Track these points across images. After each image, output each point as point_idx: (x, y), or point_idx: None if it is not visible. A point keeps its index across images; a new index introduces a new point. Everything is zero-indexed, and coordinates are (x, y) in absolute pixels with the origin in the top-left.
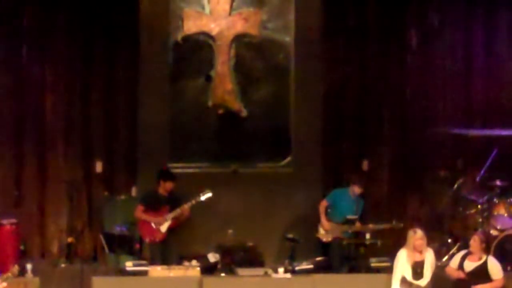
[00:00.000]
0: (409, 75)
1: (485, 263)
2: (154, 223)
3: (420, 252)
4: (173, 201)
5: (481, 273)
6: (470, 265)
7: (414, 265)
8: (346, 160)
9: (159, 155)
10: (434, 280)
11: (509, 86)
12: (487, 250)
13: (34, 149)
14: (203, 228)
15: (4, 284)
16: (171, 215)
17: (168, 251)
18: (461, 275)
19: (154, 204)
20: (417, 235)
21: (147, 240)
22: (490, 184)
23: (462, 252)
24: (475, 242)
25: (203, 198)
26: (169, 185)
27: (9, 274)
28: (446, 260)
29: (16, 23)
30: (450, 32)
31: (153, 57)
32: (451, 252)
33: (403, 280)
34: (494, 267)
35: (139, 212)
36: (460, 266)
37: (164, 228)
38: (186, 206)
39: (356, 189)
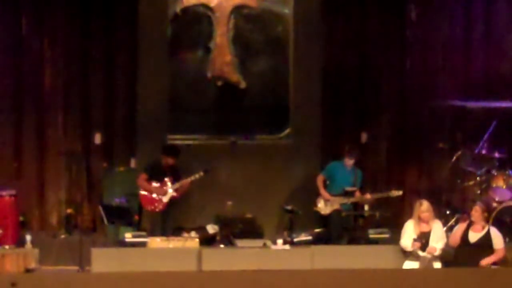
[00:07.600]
0: (409, 47)
1: (488, 233)
2: (157, 193)
3: (427, 223)
4: (175, 173)
5: (485, 244)
6: (474, 236)
7: (420, 235)
8: (345, 132)
9: (158, 127)
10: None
11: (509, 59)
12: (488, 220)
13: (33, 121)
14: (202, 199)
15: None
16: (174, 187)
17: (167, 222)
18: (457, 239)
19: (157, 175)
20: (423, 207)
21: (148, 208)
22: (488, 156)
23: (464, 224)
24: (476, 212)
25: (202, 174)
26: (170, 161)
27: None
28: (444, 231)
29: None
30: (449, 5)
31: (152, 29)
32: (449, 224)
33: (414, 246)
34: (496, 237)
35: (142, 180)
36: (465, 237)
37: (166, 198)
38: (187, 180)
39: (348, 161)
